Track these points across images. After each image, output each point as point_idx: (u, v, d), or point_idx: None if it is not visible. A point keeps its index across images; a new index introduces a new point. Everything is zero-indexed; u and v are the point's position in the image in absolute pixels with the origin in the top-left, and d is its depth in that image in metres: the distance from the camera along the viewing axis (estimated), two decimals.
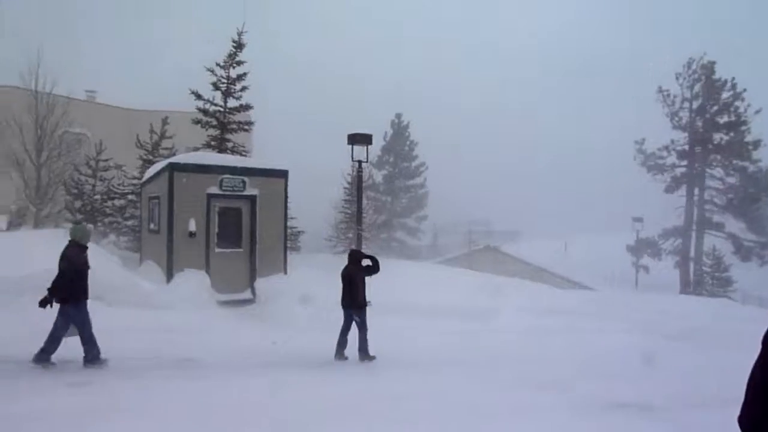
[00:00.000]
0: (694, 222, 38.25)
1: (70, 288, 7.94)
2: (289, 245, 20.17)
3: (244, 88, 17.55)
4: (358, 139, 17.04)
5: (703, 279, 37.11)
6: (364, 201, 23.38)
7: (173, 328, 11.10)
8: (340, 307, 9.75)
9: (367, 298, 9.62)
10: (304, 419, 6.67)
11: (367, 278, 9.81)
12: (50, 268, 11.11)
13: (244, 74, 17.42)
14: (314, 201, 29.07)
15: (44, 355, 8.00)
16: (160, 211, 13.91)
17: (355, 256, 9.90)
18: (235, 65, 17.31)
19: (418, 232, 48.92)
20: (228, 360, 9.56)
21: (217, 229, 14.22)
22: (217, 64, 17.20)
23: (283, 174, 15.21)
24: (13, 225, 17.81)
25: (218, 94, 17.53)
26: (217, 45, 17.58)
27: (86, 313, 8.16)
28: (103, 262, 12.20)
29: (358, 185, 18.01)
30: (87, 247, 8.19)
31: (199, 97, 17.23)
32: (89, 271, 8.45)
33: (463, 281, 17.07)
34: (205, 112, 17.53)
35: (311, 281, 14.71)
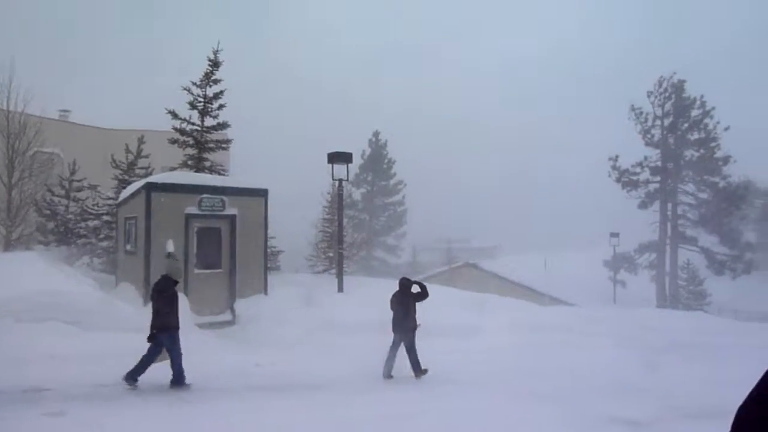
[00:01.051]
0: (668, 237, 38.92)
1: (166, 319, 8.76)
2: (270, 265, 19.92)
3: (221, 107, 17.36)
4: (339, 158, 16.99)
5: (679, 293, 37.66)
6: (344, 219, 23.28)
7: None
8: (392, 330, 10.24)
9: (418, 322, 10.18)
10: None
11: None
12: (29, 290, 10.80)
13: (221, 93, 17.25)
14: (293, 220, 28.81)
15: (134, 376, 8.63)
16: (137, 232, 13.59)
17: (406, 284, 10.41)
18: (211, 84, 17.14)
19: (398, 250, 48.83)
20: (210, 384, 9.28)
21: (195, 250, 13.93)
22: (193, 83, 17.01)
23: (262, 193, 15.03)
24: None
25: (195, 113, 17.31)
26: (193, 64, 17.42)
27: (178, 341, 8.89)
28: (78, 285, 11.85)
29: (338, 204, 17.90)
30: (178, 282, 9.06)
31: (175, 116, 16.98)
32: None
33: (445, 299, 16.95)
34: (181, 131, 17.28)
35: (292, 302, 14.50)
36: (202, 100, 17.23)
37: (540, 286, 30.97)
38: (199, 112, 17.31)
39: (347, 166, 17.21)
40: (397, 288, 10.47)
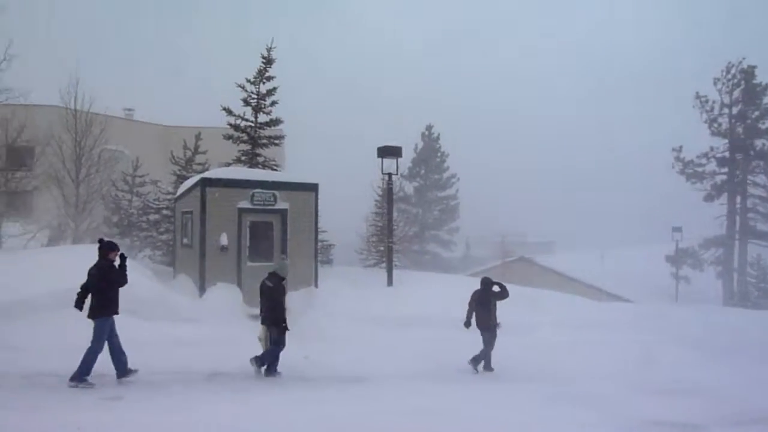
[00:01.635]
0: (736, 231, 36.98)
1: (273, 313, 9.45)
2: (320, 258, 20.21)
3: (273, 103, 17.72)
4: (388, 151, 17.02)
5: (748, 290, 35.76)
6: (395, 213, 23.31)
7: (205, 341, 11.15)
8: (478, 327, 10.57)
9: (498, 320, 10.56)
10: None
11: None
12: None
13: (274, 89, 17.60)
14: (346, 214, 29.12)
15: (272, 368, 9.46)
16: (193, 226, 14.06)
17: (488, 283, 10.78)
18: (264, 81, 17.49)
19: (451, 244, 48.53)
20: (260, 375, 9.52)
21: (248, 243, 14.29)
22: (247, 80, 17.41)
23: (313, 187, 15.24)
24: (53, 240, 18.25)
25: (249, 110, 17.73)
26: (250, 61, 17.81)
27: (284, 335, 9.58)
28: (137, 276, 12.34)
29: (388, 198, 17.95)
30: (285, 278, 9.77)
31: (230, 113, 17.45)
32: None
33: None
34: (236, 127, 17.74)
35: (342, 295, 14.65)
36: (255, 96, 17.61)
37: (597, 282, 30.10)
38: (253, 109, 17.71)
39: (397, 160, 17.22)
40: (479, 287, 10.79)
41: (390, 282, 16.44)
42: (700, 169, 37.77)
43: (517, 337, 12.95)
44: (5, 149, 17.94)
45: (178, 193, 15.70)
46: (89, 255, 13.10)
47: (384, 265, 18.11)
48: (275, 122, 17.96)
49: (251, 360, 9.33)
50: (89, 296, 8.33)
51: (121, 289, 8.53)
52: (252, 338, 11.95)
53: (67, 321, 10.48)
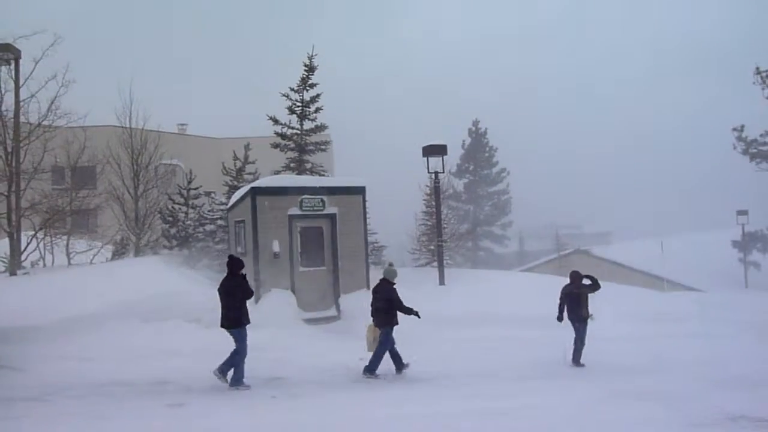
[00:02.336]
0: None
1: (387, 316, 9.63)
2: (372, 260, 20.30)
3: (318, 110, 17.96)
4: (433, 150, 16.97)
5: None
6: (445, 211, 23.15)
7: (263, 346, 11.34)
8: (569, 321, 10.71)
9: (590, 312, 10.63)
10: None
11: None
12: (152, 292, 11.80)
13: (318, 96, 17.84)
14: (397, 215, 29.18)
15: (372, 369, 9.62)
16: (246, 234, 14.41)
17: (577, 276, 10.92)
18: (308, 88, 17.76)
19: (504, 240, 47.89)
20: (315, 377, 9.66)
21: (299, 249, 14.53)
22: (291, 89, 17.72)
23: (360, 190, 15.34)
24: (117, 254, 19.09)
25: (294, 118, 18.03)
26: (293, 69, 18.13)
27: (390, 337, 9.74)
28: (198, 286, 12.78)
29: (435, 196, 17.89)
30: (395, 284, 9.98)
31: (276, 122, 17.80)
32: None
33: (551, 287, 16.42)
34: (282, 136, 18.07)
35: None
36: (300, 104, 17.90)
37: (660, 272, 29.02)
38: (298, 117, 18.00)
39: (442, 158, 17.15)
40: (569, 281, 10.95)
41: (442, 281, 16.37)
42: (765, 148, 35.88)
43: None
44: (69, 170, 18.89)
45: (231, 203, 16.12)
46: (151, 267, 13.73)
47: (436, 263, 18.04)
48: (320, 128, 18.20)
49: (364, 372, 9.62)
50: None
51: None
52: (308, 342, 12.20)
53: (132, 331, 10.99)
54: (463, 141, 48.63)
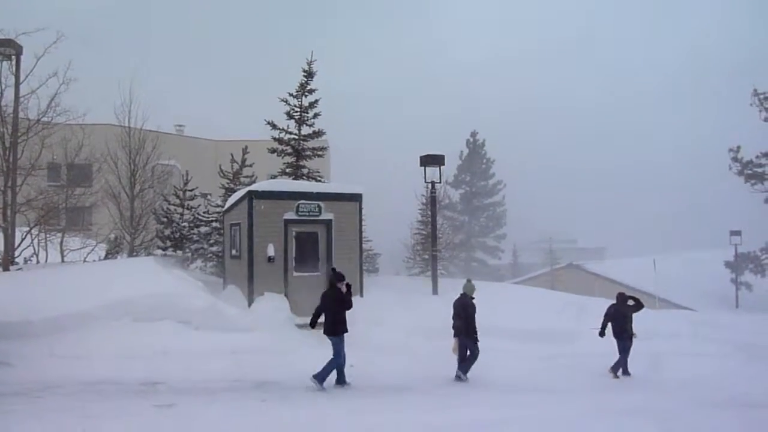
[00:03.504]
0: None
1: (466, 327, 10.32)
2: (366, 267, 20.31)
3: (316, 115, 18.01)
4: (431, 160, 17.04)
5: None
6: (440, 221, 23.21)
7: (254, 350, 11.37)
8: (614, 337, 11.54)
9: (634, 330, 11.54)
10: None
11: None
12: (144, 292, 11.77)
13: (316, 101, 17.90)
14: (392, 223, 29.25)
15: (464, 369, 10.36)
16: (241, 237, 14.41)
17: (623, 297, 11.82)
18: (306, 94, 17.82)
19: (498, 251, 48.00)
20: (307, 382, 9.65)
21: (294, 254, 14.53)
22: (290, 94, 17.78)
23: (356, 197, 15.38)
24: (111, 253, 19.02)
25: (292, 123, 18.08)
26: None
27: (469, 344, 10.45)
28: (189, 288, 12.75)
29: (431, 206, 17.94)
30: (474, 298, 10.73)
31: (274, 126, 17.84)
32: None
33: (541, 301, 16.48)
34: (280, 140, 18.11)
35: (387, 304, 14.69)
36: (298, 109, 17.95)
37: (650, 289, 29.15)
38: (296, 122, 18.04)
39: (440, 168, 17.22)
40: (615, 301, 11.85)
41: (435, 290, 16.40)
42: (760, 170, 36.18)
43: (559, 346, 12.70)
44: (66, 167, 18.86)
45: (227, 206, 16.12)
46: (144, 267, 13.68)
47: (430, 273, 18.07)
48: (318, 134, 18.24)
49: (457, 373, 10.32)
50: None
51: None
52: (300, 348, 12.18)
53: (124, 331, 10.96)
54: (461, 152, 48.86)
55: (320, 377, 9.26)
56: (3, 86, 15.46)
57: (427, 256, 20.46)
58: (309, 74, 17.76)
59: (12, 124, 15.42)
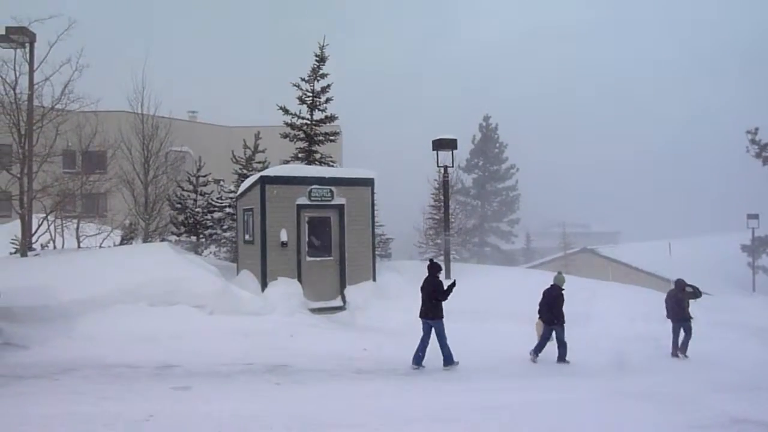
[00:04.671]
0: None
1: (557, 314, 11.02)
2: (379, 252, 20.33)
3: (328, 100, 17.96)
4: (443, 144, 16.94)
5: None
6: (452, 206, 23.15)
7: (268, 334, 11.49)
8: (670, 321, 12.31)
9: (691, 315, 12.32)
10: (396, 427, 6.65)
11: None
12: (159, 277, 11.92)
13: (328, 86, 17.84)
14: (405, 207, 29.23)
15: (535, 352, 11.00)
16: (254, 223, 14.48)
17: (681, 284, 12.50)
18: (318, 78, 17.76)
19: (511, 236, 47.83)
20: (319, 366, 9.74)
21: (307, 239, 14.59)
22: (302, 78, 17.72)
23: (368, 182, 15.37)
24: (125, 239, 19.22)
25: (304, 108, 18.05)
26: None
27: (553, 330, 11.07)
28: (203, 272, 12.86)
29: (444, 191, 17.88)
30: (564, 289, 11.33)
31: (286, 111, 17.82)
32: None
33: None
34: (292, 126, 18.09)
35: (399, 288, 14.73)
36: (310, 94, 17.91)
37: (665, 273, 28.93)
38: (308, 107, 18.01)
39: (452, 153, 17.13)
40: (673, 287, 12.59)
41: (448, 275, 16.39)
42: None
43: (570, 329, 12.67)
44: (80, 155, 19.01)
45: (240, 191, 16.19)
46: (159, 252, 13.81)
47: (442, 257, 18.06)
48: (330, 119, 18.20)
49: (531, 351, 10.98)
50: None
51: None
52: (313, 331, 12.29)
53: (139, 314, 11.11)
54: (473, 136, 48.56)
55: (447, 360, 9.91)
56: (17, 74, 15.55)
57: (439, 241, 20.44)
58: (321, 59, 17.69)
59: (27, 112, 15.54)
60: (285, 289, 13.73)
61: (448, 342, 10.00)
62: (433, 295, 10.10)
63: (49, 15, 15.17)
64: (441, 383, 9.09)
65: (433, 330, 10.04)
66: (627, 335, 13.17)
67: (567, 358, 10.92)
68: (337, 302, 14.61)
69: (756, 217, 35.02)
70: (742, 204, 37.91)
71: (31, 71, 15.60)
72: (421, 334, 10.12)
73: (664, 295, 12.81)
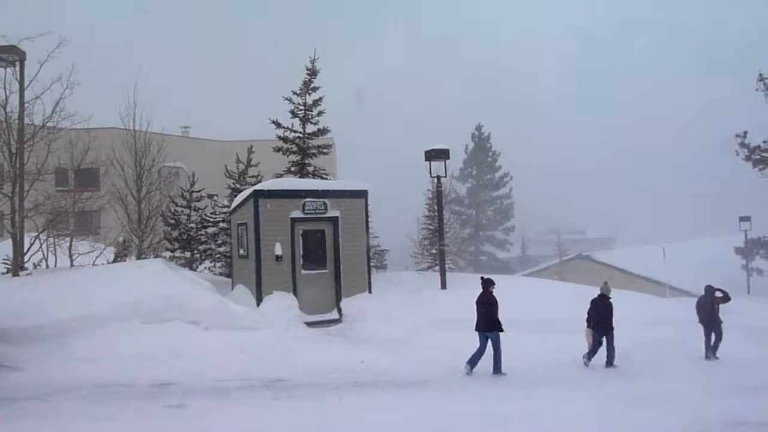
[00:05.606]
0: None
1: (608, 321, 11.32)
2: (374, 263, 20.27)
3: (320, 113, 17.99)
4: (435, 154, 16.96)
5: None
6: (447, 215, 23.18)
7: (264, 349, 11.41)
8: (701, 325, 12.73)
9: (721, 319, 12.69)
10: None
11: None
12: (153, 294, 11.82)
13: (320, 99, 17.87)
14: (400, 218, 29.21)
15: (588, 357, 11.32)
16: (248, 237, 14.44)
17: (711, 289, 12.98)
18: (310, 92, 17.79)
19: (507, 244, 47.86)
20: (316, 379, 9.68)
21: (302, 252, 14.55)
22: (294, 92, 17.76)
23: (362, 194, 15.37)
24: (119, 256, 19.10)
25: (296, 121, 18.06)
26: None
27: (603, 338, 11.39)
28: (197, 288, 12.79)
29: (438, 201, 17.88)
30: (611, 297, 11.68)
31: (278, 125, 17.83)
32: None
33: (548, 292, 16.43)
34: (284, 139, 18.10)
35: (395, 300, 14.70)
36: (302, 108, 17.93)
37: (660, 277, 28.98)
38: (300, 120, 18.03)
39: (445, 163, 17.14)
40: (703, 293, 13.08)
41: (444, 285, 16.37)
42: (767, 155, 35.81)
43: (566, 336, 12.65)
44: (73, 172, 18.91)
45: (233, 206, 16.15)
46: (153, 269, 13.72)
47: (437, 267, 18.04)
48: (323, 131, 18.22)
49: (584, 356, 11.30)
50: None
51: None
52: (309, 344, 12.21)
53: (133, 332, 11.01)
54: (466, 145, 48.74)
55: (497, 369, 10.33)
56: (7, 92, 15.50)
57: (434, 251, 20.42)
58: (313, 72, 17.74)
59: (18, 130, 15.48)
60: (280, 302, 13.67)
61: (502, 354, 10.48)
62: (490, 308, 10.60)
63: (39, 33, 15.14)
64: (440, 393, 9.05)
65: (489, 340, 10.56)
66: (625, 339, 13.13)
67: (615, 363, 11.29)
68: (333, 315, 14.55)
69: (748, 219, 35.23)
70: (734, 206, 38.13)
71: (22, 89, 15.56)
72: (478, 345, 10.59)
73: (694, 301, 13.35)
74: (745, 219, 34.57)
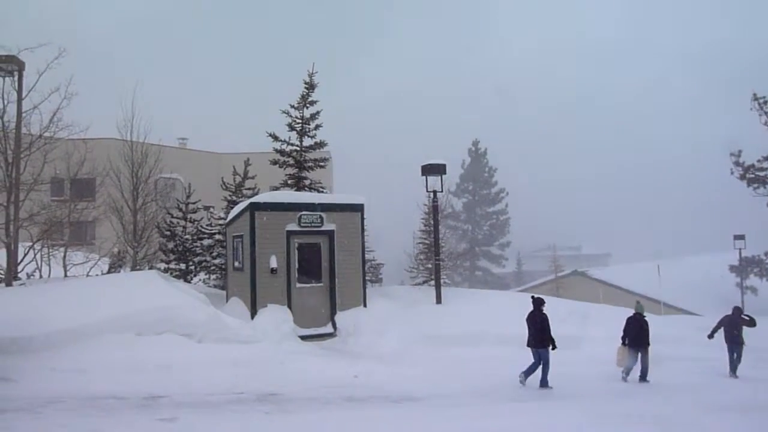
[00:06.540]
0: None
1: (645, 338, 11.83)
2: (370, 277, 20.22)
3: (317, 127, 18.06)
4: (432, 169, 17.03)
5: None
6: (443, 230, 23.15)
7: (257, 363, 11.34)
8: (726, 342, 13.04)
9: (744, 340, 13.06)
10: None
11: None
12: (147, 306, 11.77)
13: (317, 113, 17.96)
14: (396, 232, 29.22)
15: (627, 372, 11.84)
16: (243, 249, 14.42)
17: (739, 311, 13.45)
18: (307, 105, 17.88)
19: (502, 260, 47.92)
20: (309, 394, 9.62)
21: (297, 265, 14.52)
22: (291, 106, 17.84)
23: (358, 207, 15.39)
24: (114, 267, 19.02)
25: (294, 134, 18.13)
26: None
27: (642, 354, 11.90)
28: (191, 300, 12.74)
29: (434, 215, 17.92)
30: (645, 316, 12.22)
31: (275, 138, 17.89)
32: None
33: (548, 309, 16.40)
34: (281, 152, 18.15)
35: (390, 314, 14.67)
36: (299, 121, 18.00)
37: (655, 294, 29.01)
38: (298, 133, 18.09)
39: (441, 178, 17.21)
40: (730, 313, 13.38)
41: (439, 300, 16.35)
42: (762, 174, 36.07)
43: (562, 352, 12.65)
44: (69, 182, 18.88)
45: (229, 218, 16.14)
46: (147, 281, 13.67)
47: (433, 282, 18.03)
48: (320, 145, 18.28)
49: (623, 374, 11.76)
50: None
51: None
52: (303, 358, 12.15)
53: (126, 344, 10.94)
54: (463, 161, 48.98)
55: (543, 382, 10.74)
56: (5, 102, 15.54)
57: (430, 266, 20.41)
58: (310, 86, 17.83)
59: (14, 140, 15.49)
60: (275, 316, 13.62)
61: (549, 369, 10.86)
62: (541, 326, 11.04)
63: (39, 44, 15.21)
64: (434, 409, 9.00)
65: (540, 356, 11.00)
66: (614, 358, 13.09)
67: (648, 378, 11.67)
68: (328, 329, 14.50)
69: (742, 237, 35.33)
70: (729, 224, 38.28)
71: (20, 99, 15.60)
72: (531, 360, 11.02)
73: (720, 318, 13.50)
74: (739, 237, 34.68)
